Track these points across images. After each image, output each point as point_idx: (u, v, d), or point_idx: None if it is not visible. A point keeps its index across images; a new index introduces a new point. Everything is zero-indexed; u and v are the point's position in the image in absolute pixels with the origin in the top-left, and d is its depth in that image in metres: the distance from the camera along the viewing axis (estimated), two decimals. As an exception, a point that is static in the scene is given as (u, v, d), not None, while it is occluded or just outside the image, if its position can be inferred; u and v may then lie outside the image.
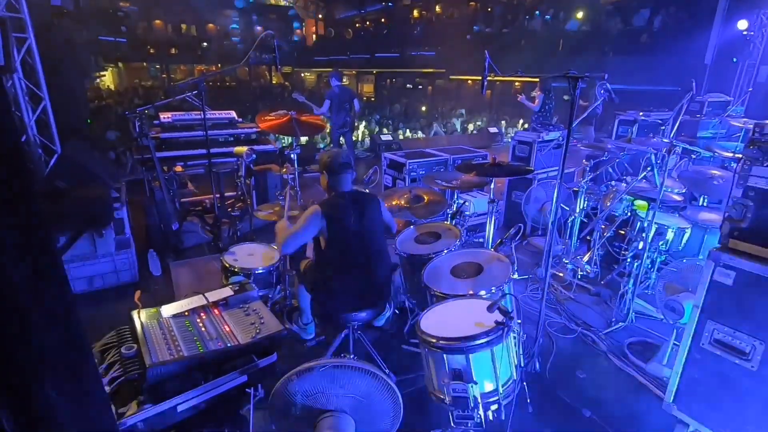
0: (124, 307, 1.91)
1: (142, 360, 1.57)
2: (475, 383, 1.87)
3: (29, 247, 0.85)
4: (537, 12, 15.15)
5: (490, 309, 1.88)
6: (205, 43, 18.44)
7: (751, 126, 2.01)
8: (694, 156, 4.52)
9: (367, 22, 21.24)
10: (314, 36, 21.76)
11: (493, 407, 1.95)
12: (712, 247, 1.98)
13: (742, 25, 7.77)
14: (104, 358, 1.66)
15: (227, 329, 1.79)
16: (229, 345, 1.69)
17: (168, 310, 1.89)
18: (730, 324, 1.93)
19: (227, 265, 2.90)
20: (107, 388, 1.52)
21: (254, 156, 3.77)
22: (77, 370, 1.00)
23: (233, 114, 5.34)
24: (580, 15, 13.61)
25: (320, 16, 21.56)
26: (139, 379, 1.55)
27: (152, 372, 1.52)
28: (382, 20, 20.76)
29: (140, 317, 1.82)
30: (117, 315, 1.91)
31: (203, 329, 1.78)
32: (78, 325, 0.98)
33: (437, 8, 18.77)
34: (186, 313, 1.88)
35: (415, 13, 19.72)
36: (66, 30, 5.66)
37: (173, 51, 18.00)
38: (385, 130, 11.25)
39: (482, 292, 2.31)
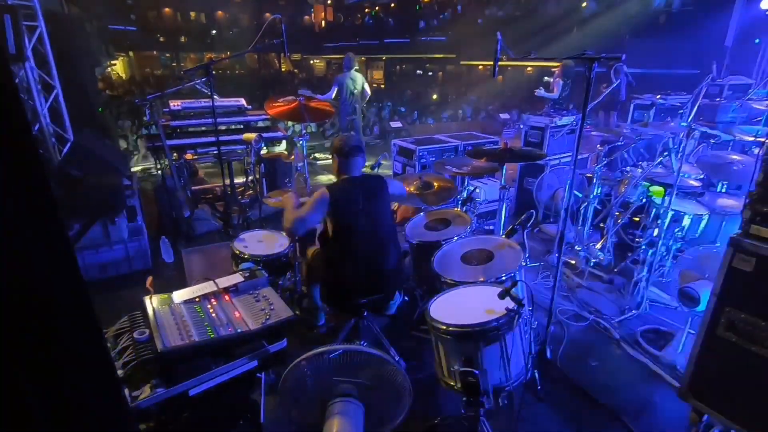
0: (137, 294, 1.93)
1: (154, 345, 1.59)
2: (485, 370, 1.86)
3: (42, 235, 0.85)
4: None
5: (501, 296, 1.86)
6: (214, 31, 18.41)
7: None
8: (713, 141, 4.38)
9: (377, 8, 20.91)
10: (323, 22, 21.53)
11: (503, 394, 1.94)
12: (733, 233, 1.92)
13: (766, 4, 7.46)
14: (117, 342, 1.69)
15: (237, 315, 1.79)
16: (239, 330, 1.70)
17: (179, 296, 1.91)
18: (748, 311, 1.88)
19: (237, 252, 2.91)
20: (120, 372, 1.54)
21: (263, 144, 3.77)
22: (91, 355, 1.01)
23: (242, 101, 5.33)
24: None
25: (329, 1, 21.30)
26: (151, 363, 1.56)
27: (164, 356, 1.54)
28: (392, 5, 20.43)
29: (152, 303, 1.83)
30: (130, 301, 1.92)
31: (214, 315, 1.79)
32: (91, 311, 0.99)
33: (448, -8, 18.39)
34: (197, 299, 1.89)
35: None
36: (77, 18, 5.67)
37: (183, 39, 18.02)
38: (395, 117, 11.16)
39: (493, 279, 2.29)
